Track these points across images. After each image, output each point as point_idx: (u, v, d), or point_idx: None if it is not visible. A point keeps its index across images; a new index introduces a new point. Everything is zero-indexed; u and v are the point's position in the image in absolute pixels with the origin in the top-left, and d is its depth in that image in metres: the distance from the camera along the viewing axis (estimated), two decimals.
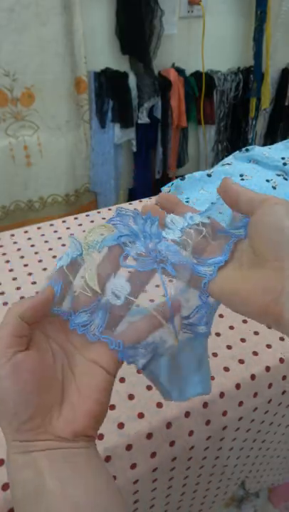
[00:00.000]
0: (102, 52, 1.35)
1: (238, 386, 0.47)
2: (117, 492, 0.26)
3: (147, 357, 0.27)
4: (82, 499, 0.24)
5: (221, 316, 0.55)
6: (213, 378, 0.48)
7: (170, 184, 0.81)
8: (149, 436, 0.43)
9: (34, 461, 0.25)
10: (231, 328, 0.54)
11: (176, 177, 1.05)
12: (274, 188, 0.80)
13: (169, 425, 0.44)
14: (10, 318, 0.26)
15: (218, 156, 1.72)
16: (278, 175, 0.83)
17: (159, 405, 0.45)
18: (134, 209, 0.31)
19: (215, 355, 0.50)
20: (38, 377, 0.25)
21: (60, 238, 0.70)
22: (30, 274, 0.63)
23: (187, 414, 0.45)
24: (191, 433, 0.45)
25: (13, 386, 0.25)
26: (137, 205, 0.80)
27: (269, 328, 0.25)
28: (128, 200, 1.51)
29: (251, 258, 0.26)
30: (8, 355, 0.25)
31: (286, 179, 0.83)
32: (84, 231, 0.73)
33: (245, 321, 0.54)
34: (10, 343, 0.25)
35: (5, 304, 0.57)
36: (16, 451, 0.25)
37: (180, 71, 1.49)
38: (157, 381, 0.29)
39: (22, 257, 0.66)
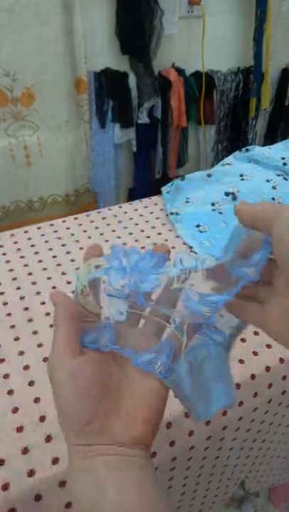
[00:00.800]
0: (102, 52, 1.35)
1: (238, 386, 0.47)
2: (168, 505, 0.27)
3: (163, 363, 0.28)
4: (138, 510, 0.25)
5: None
6: None
7: (170, 184, 0.81)
8: None
9: (96, 469, 0.25)
10: None
11: (176, 177, 1.05)
12: (274, 188, 0.80)
13: (169, 425, 0.44)
14: (61, 325, 0.28)
15: (218, 156, 1.72)
16: (278, 175, 0.84)
17: None
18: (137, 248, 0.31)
19: None
20: (95, 384, 0.27)
21: (60, 238, 0.70)
22: (30, 274, 0.63)
23: (187, 414, 0.45)
24: (191, 433, 0.45)
25: (73, 392, 0.26)
26: (137, 205, 0.80)
27: None
28: (128, 200, 1.51)
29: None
30: (68, 359, 0.26)
31: (286, 179, 0.83)
32: (85, 231, 0.73)
33: None
34: (68, 346, 0.27)
35: (5, 303, 0.57)
36: (79, 457, 0.26)
37: (180, 71, 1.49)
38: (182, 394, 0.29)
39: (22, 257, 0.66)
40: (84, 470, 0.26)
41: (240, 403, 0.48)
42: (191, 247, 0.68)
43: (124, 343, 0.29)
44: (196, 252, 0.66)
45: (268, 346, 0.51)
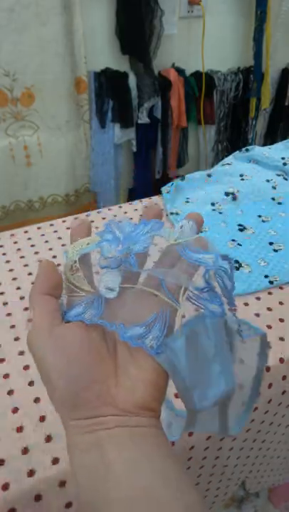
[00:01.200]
0: (102, 52, 1.35)
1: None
2: (186, 476, 0.24)
3: (155, 337, 0.25)
4: (152, 486, 0.22)
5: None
6: None
7: (170, 184, 0.81)
8: None
9: (98, 443, 0.23)
10: None
11: (176, 177, 1.05)
12: (274, 188, 0.80)
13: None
14: (35, 298, 0.27)
15: (218, 156, 1.72)
16: (278, 175, 0.84)
17: None
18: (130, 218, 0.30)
19: None
20: (84, 350, 0.24)
21: (60, 238, 0.70)
22: (30, 274, 0.63)
23: None
24: (190, 433, 0.45)
25: (59, 361, 0.24)
26: (137, 205, 0.80)
27: None
28: (128, 200, 1.51)
29: None
30: (46, 331, 0.25)
31: (286, 179, 0.83)
32: None
33: None
34: (46, 319, 0.25)
35: (5, 303, 0.57)
36: (78, 432, 0.23)
37: (180, 71, 1.49)
38: (178, 375, 0.25)
39: (22, 257, 0.66)
40: (84, 448, 0.23)
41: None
42: None
43: (115, 315, 0.26)
44: None
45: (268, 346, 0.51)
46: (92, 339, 0.25)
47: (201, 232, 0.30)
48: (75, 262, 0.28)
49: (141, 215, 0.31)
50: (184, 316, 0.25)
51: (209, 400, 0.25)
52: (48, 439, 0.41)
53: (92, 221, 0.75)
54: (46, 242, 0.69)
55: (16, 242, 0.69)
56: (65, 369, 0.24)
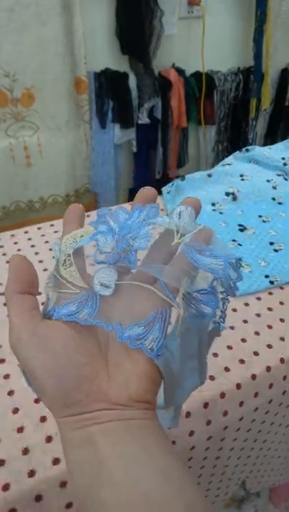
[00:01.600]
0: (102, 52, 1.35)
1: (238, 386, 0.47)
2: (187, 473, 0.23)
3: (156, 338, 0.24)
4: (151, 484, 0.21)
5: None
6: (213, 378, 0.48)
7: (170, 184, 0.81)
8: None
9: (90, 438, 0.22)
10: (232, 328, 0.53)
11: (177, 177, 1.05)
12: (274, 188, 0.80)
13: None
14: (11, 298, 0.25)
15: (219, 157, 1.73)
16: (278, 175, 0.84)
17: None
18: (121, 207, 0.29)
19: (215, 355, 0.50)
20: (72, 349, 0.24)
21: (60, 238, 0.70)
22: None
23: (188, 415, 0.45)
24: (191, 433, 0.45)
25: (47, 361, 0.23)
26: None
27: None
28: (128, 200, 1.51)
29: None
30: (27, 330, 0.24)
31: (286, 179, 0.83)
32: None
33: (245, 321, 0.54)
34: (24, 319, 0.24)
35: (5, 304, 0.57)
36: (69, 429, 0.23)
37: (180, 71, 1.49)
38: (171, 375, 0.24)
39: None
40: (76, 443, 0.23)
41: (241, 403, 0.47)
42: None
43: (110, 312, 0.25)
44: None
45: (269, 346, 0.51)
46: (80, 336, 0.24)
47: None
48: (69, 255, 0.27)
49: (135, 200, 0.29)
50: (183, 317, 0.25)
51: (185, 396, 0.25)
52: (49, 439, 0.41)
53: None
54: (46, 242, 0.69)
55: (16, 243, 0.69)
56: (54, 369, 0.23)
